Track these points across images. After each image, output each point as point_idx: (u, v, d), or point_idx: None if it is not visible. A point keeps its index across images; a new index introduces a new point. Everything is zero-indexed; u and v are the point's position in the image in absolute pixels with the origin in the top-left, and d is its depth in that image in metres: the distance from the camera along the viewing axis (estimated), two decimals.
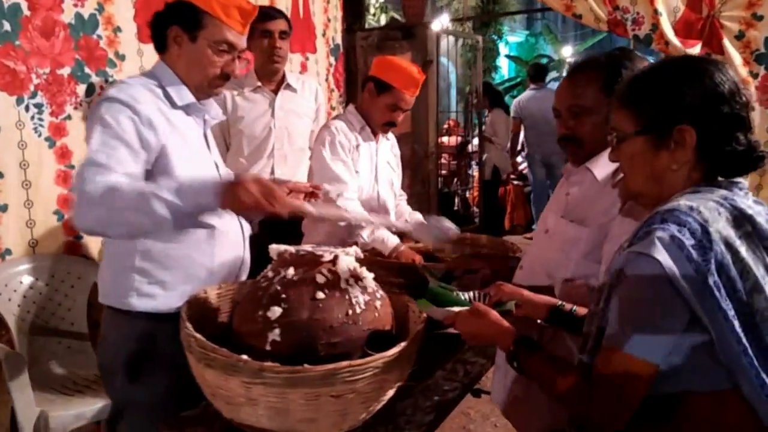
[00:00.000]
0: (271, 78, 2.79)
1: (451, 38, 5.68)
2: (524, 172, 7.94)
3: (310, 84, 2.99)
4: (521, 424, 1.66)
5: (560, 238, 1.57)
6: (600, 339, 1.06)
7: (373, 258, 1.97)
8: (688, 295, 0.94)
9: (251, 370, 1.11)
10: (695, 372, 0.99)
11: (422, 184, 4.56)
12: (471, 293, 1.48)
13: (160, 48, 1.64)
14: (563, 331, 1.51)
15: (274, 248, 1.32)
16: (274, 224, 2.24)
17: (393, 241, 2.27)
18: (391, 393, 1.28)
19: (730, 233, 1.00)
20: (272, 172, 2.78)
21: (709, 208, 1.01)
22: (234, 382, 1.14)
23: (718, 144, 1.05)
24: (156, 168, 1.52)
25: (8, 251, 2.35)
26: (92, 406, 2.17)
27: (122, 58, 2.70)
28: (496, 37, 12.93)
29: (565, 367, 1.12)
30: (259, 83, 2.77)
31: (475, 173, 6.53)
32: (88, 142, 1.47)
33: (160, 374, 1.56)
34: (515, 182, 7.66)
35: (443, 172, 6.21)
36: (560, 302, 1.37)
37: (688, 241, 0.96)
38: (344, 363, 1.12)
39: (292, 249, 1.30)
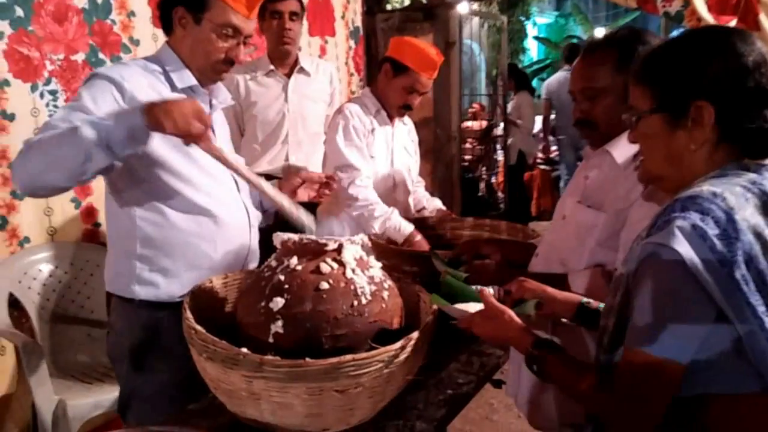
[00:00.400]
0: (283, 61, 2.72)
1: (476, 20, 5.55)
2: (553, 156, 7.79)
3: (325, 67, 2.91)
4: (535, 417, 1.59)
5: (576, 225, 1.50)
6: (618, 335, 0.99)
7: (385, 245, 1.91)
8: (712, 290, 0.86)
9: (251, 364, 1.06)
10: (722, 372, 0.92)
11: (445, 168, 4.47)
12: (489, 289, 1.40)
13: (167, 30, 1.61)
14: (580, 329, 1.44)
15: (278, 236, 1.27)
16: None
17: (407, 229, 2.20)
18: (399, 387, 1.23)
19: (759, 221, 0.91)
20: (287, 158, 2.73)
21: (735, 194, 0.92)
22: (235, 376, 1.10)
23: (741, 122, 0.96)
24: (146, 153, 1.47)
25: (26, 239, 2.36)
26: (111, 394, 2.16)
27: (137, 43, 2.68)
28: (524, 18, 12.66)
29: (585, 370, 1.05)
30: (272, 67, 2.70)
31: (501, 158, 6.40)
32: None
33: (165, 364, 1.54)
34: (542, 167, 7.51)
35: (468, 157, 6.10)
36: (585, 299, 1.28)
37: (712, 231, 0.88)
38: (348, 357, 1.06)
39: (295, 237, 1.24)
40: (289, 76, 2.73)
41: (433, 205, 2.56)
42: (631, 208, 1.39)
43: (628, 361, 0.95)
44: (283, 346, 1.15)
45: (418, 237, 2.19)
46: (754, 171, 0.97)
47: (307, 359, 1.05)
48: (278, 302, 1.17)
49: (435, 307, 1.29)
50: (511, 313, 1.19)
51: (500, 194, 6.16)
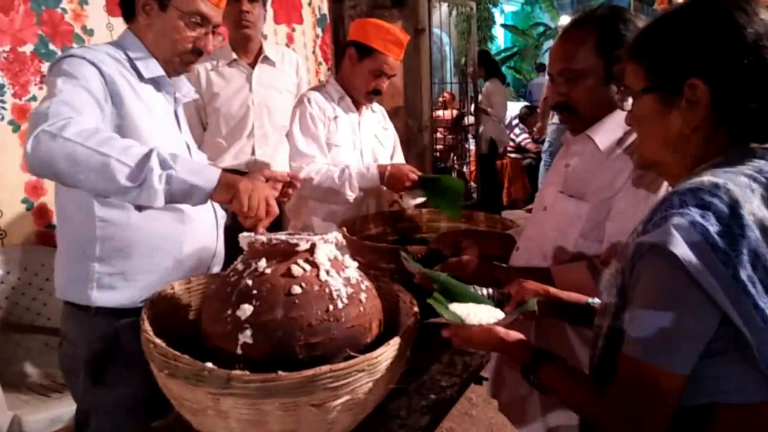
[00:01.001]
0: (246, 49, 2.58)
1: (445, 8, 5.46)
2: (522, 144, 7.78)
3: (291, 57, 2.78)
4: (520, 421, 1.52)
5: (558, 216, 1.43)
6: (613, 339, 0.91)
7: (360, 242, 1.81)
8: (716, 293, 0.78)
9: (218, 380, 0.96)
10: (728, 381, 0.84)
11: (417, 159, 4.39)
12: (487, 291, 1.29)
13: (128, 16, 1.48)
14: (564, 330, 1.37)
15: (244, 237, 1.17)
16: None
17: (373, 169, 2.13)
18: (380, 397, 1.14)
19: (766, 215, 0.83)
20: (253, 152, 2.61)
21: (739, 185, 0.84)
22: (200, 394, 0.99)
23: (739, 102, 0.88)
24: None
25: None
26: (70, 408, 1.99)
27: (90, 32, 2.52)
28: (491, 5, 12.63)
29: (583, 380, 0.98)
30: (235, 56, 2.56)
31: (472, 147, 6.35)
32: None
33: (126, 376, 1.42)
34: (512, 155, 7.49)
35: (439, 146, 6.02)
36: (591, 300, 1.20)
37: (713, 228, 0.80)
38: (324, 368, 0.97)
39: (263, 238, 1.14)
40: (253, 66, 2.60)
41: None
42: (615, 197, 1.33)
43: (624, 370, 0.87)
44: (252, 357, 1.05)
45: (389, 167, 2.13)
46: (760, 157, 0.89)
47: (280, 372, 0.95)
48: (246, 309, 1.06)
49: (416, 309, 1.20)
50: (501, 328, 1.10)
51: (473, 184, 6.10)
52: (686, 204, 0.82)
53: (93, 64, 1.33)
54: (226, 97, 2.55)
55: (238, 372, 0.95)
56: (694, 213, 0.81)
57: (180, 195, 1.20)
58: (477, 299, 1.20)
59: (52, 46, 2.37)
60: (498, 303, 1.20)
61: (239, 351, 1.05)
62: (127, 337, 1.39)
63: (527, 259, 1.49)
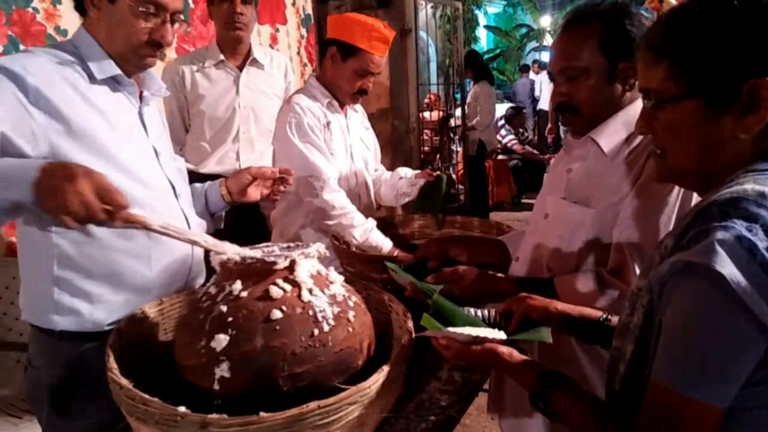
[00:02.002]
0: (235, 51, 2.49)
1: (429, 10, 5.36)
2: (508, 145, 7.71)
3: (279, 60, 2.69)
4: None
5: (561, 223, 1.34)
6: (637, 364, 0.81)
7: (349, 250, 1.70)
8: (765, 317, 0.68)
9: (193, 426, 0.84)
10: None
11: (404, 161, 4.30)
12: (482, 312, 1.16)
13: (81, 11, 1.35)
14: (570, 344, 1.28)
15: (216, 257, 1.05)
16: (241, 218, 1.97)
17: (387, 246, 1.97)
18: (375, 426, 1.03)
19: None
20: (237, 158, 2.51)
21: None
22: None
23: None
24: (58, 154, 1.21)
25: None
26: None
27: (64, 33, 2.39)
28: (474, 7, 12.60)
29: (604, 409, 0.88)
30: (222, 57, 2.46)
31: (459, 149, 6.26)
32: None
33: (92, 407, 1.29)
34: (498, 157, 7.42)
35: (425, 148, 5.93)
36: (603, 315, 1.09)
37: (762, 243, 0.70)
38: (312, 405, 0.86)
39: (236, 256, 1.02)
40: (240, 68, 2.50)
41: (407, 172, 2.26)
42: (622, 202, 1.24)
43: (654, 400, 0.76)
44: (231, 393, 0.94)
45: (397, 252, 1.96)
46: None
47: (262, 414, 0.84)
48: (221, 340, 0.95)
49: (410, 323, 1.10)
50: (505, 349, 0.99)
51: (460, 186, 6.01)
52: (729, 216, 0.72)
53: (12, 76, 1.19)
54: (211, 100, 2.46)
55: (215, 416, 0.84)
56: (739, 226, 0.71)
57: None
58: (473, 322, 1.08)
59: (23, 48, 2.24)
60: (496, 327, 1.09)
61: (216, 386, 0.94)
62: (93, 363, 1.26)
63: (530, 270, 1.40)
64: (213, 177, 2.03)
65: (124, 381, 0.91)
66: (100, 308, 1.31)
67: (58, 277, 1.29)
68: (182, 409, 0.85)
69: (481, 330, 1.02)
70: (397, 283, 1.39)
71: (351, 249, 1.85)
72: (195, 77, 2.44)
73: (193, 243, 1.15)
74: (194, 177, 2.17)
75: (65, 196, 1.00)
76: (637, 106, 1.29)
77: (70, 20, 2.37)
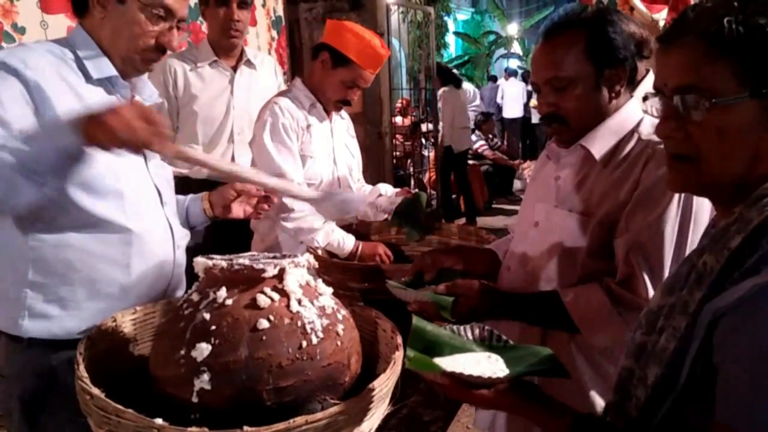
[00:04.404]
0: (229, 53, 2.42)
1: (399, 15, 5.36)
2: (479, 151, 7.76)
3: (268, 60, 2.65)
4: None
5: (558, 232, 1.30)
6: (665, 389, 0.74)
7: (329, 260, 1.66)
8: None
9: None
10: None
11: (377, 166, 4.27)
12: (473, 331, 1.03)
13: (80, 10, 1.31)
14: (571, 345, 1.25)
15: (200, 262, 1.00)
16: (224, 229, 1.90)
17: (350, 242, 1.94)
18: None
19: None
20: (233, 159, 2.43)
21: None
22: None
23: None
24: None
25: None
26: None
27: (21, 31, 2.28)
28: (444, 14, 12.68)
29: None
30: (215, 57, 2.39)
31: (430, 154, 6.26)
32: None
33: (64, 419, 1.22)
34: (470, 162, 7.45)
35: (397, 153, 5.92)
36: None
37: None
38: (299, 420, 0.82)
39: (222, 263, 0.97)
40: (234, 68, 2.44)
41: (387, 189, 2.24)
42: (623, 211, 1.20)
43: None
44: (211, 406, 0.89)
45: (361, 245, 1.94)
46: None
47: (246, 428, 0.80)
48: (203, 349, 0.90)
49: (399, 341, 1.06)
50: (530, 387, 0.90)
51: (432, 191, 6.01)
52: None
53: (12, 71, 1.17)
54: (205, 100, 2.37)
55: (194, 429, 0.79)
56: None
57: (49, 166, 1.06)
58: (462, 347, 0.98)
59: None
60: (491, 347, 1.00)
61: (195, 399, 0.89)
62: (65, 373, 1.20)
63: (525, 280, 1.35)
64: (209, 183, 1.99)
65: (95, 390, 0.85)
66: (73, 315, 1.25)
67: (33, 281, 1.24)
68: (159, 421, 0.80)
69: (476, 358, 0.94)
70: (394, 299, 1.32)
71: (331, 258, 1.81)
72: (188, 77, 2.36)
73: (258, 184, 1.32)
74: (189, 183, 2.13)
75: (112, 123, 1.03)
76: (624, 113, 1.27)
77: (28, 18, 2.28)
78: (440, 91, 6.48)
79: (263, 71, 2.55)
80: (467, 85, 9.26)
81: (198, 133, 2.39)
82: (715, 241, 0.73)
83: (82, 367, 0.92)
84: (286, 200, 1.91)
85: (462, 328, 1.03)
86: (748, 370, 0.65)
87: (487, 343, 1.01)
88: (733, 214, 0.73)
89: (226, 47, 2.40)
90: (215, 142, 2.41)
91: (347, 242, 1.94)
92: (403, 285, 1.31)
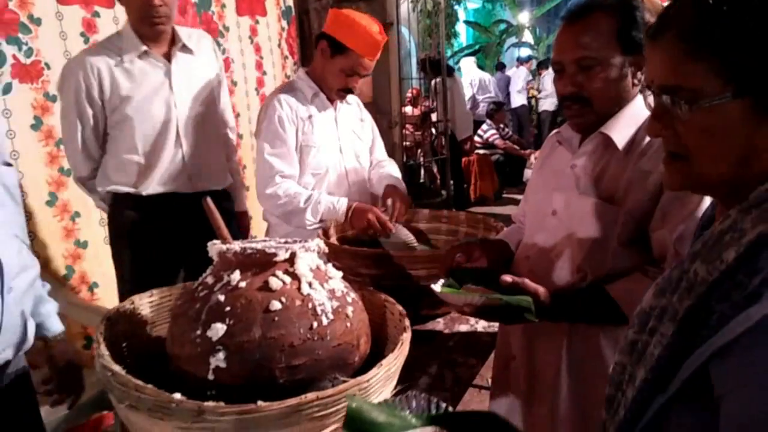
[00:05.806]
0: (158, 39, 2.02)
1: (409, 4, 5.35)
2: (490, 140, 7.75)
3: (204, 39, 2.23)
4: None
5: (582, 220, 1.28)
6: (650, 391, 0.70)
7: (340, 247, 1.69)
8: None
9: (188, 413, 0.83)
10: None
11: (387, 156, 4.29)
12: (410, 403, 0.92)
13: None
14: (598, 337, 1.25)
15: (214, 246, 1.04)
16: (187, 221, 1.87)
17: (342, 203, 1.97)
18: None
19: None
20: (184, 164, 2.09)
21: None
22: (167, 428, 0.86)
23: None
24: None
25: None
26: None
27: (38, 22, 2.31)
28: (454, 2, 12.61)
29: None
30: (145, 47, 1.99)
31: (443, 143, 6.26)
32: None
33: None
34: (480, 151, 7.45)
35: (407, 143, 5.92)
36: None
37: None
38: (310, 395, 0.85)
39: (236, 247, 1.01)
40: (168, 57, 2.04)
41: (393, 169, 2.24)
42: (652, 199, 1.19)
43: None
44: (227, 383, 0.93)
45: (355, 204, 1.96)
46: None
47: (260, 403, 0.83)
48: (218, 329, 0.93)
49: (407, 323, 1.09)
50: None
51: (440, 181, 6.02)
52: None
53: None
54: (140, 101, 1.98)
55: (211, 403, 0.83)
56: None
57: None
58: (407, 425, 0.87)
59: None
60: (433, 419, 0.89)
61: (211, 376, 0.93)
62: None
63: (547, 269, 1.33)
64: (162, 198, 2.00)
65: (116, 367, 0.89)
66: None
67: None
68: (177, 395, 0.83)
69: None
70: (404, 284, 1.32)
71: (341, 246, 1.84)
72: (115, 75, 1.95)
73: None
74: (136, 200, 2.02)
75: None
76: (640, 100, 1.27)
77: (45, 9, 2.31)
78: (433, 82, 6.45)
79: (201, 54, 2.15)
80: (482, 74, 9.22)
81: (136, 142, 2.00)
82: (708, 249, 0.70)
83: (103, 346, 0.96)
84: (268, 191, 1.97)
85: (398, 399, 0.94)
86: (756, 395, 0.59)
87: (427, 414, 0.92)
88: (729, 217, 0.70)
89: (150, 35, 2.00)
90: (158, 149, 2.03)
91: (340, 206, 1.97)
92: (448, 287, 1.26)
